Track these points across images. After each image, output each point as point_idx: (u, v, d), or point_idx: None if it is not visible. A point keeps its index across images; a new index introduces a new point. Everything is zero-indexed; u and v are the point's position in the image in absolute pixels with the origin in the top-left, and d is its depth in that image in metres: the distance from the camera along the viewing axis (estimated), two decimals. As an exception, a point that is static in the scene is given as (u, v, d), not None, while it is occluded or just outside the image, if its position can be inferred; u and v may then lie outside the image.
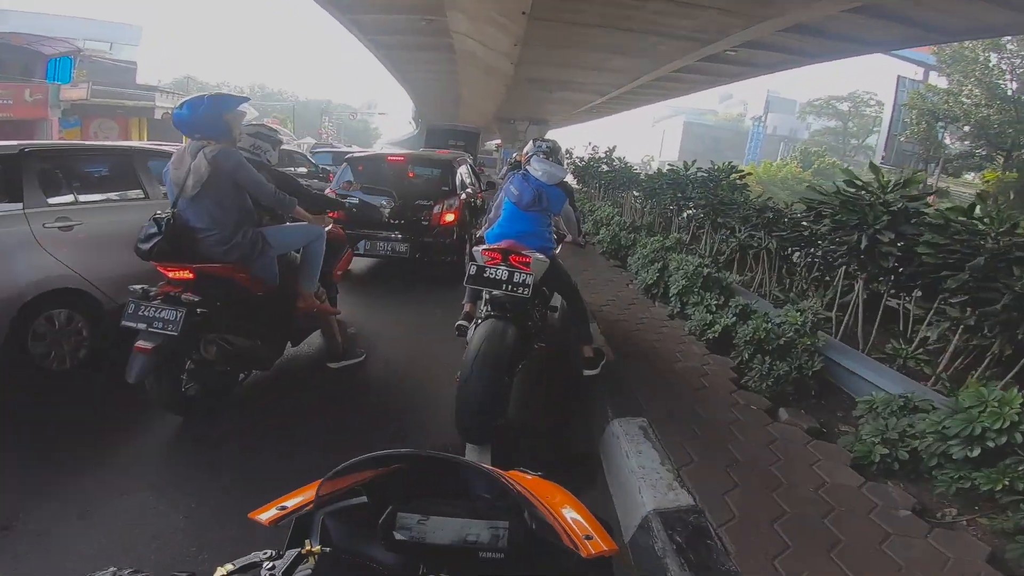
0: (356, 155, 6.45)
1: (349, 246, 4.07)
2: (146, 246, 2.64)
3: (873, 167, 3.81)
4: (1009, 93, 21.69)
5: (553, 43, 16.34)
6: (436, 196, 5.72)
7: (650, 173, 8.57)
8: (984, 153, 22.89)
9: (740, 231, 5.06)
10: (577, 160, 14.58)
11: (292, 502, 0.78)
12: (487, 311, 2.81)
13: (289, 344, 3.42)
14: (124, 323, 2.49)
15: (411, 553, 0.72)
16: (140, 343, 2.48)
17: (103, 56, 27.18)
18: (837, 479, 2.40)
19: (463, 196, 5.98)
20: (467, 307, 3.30)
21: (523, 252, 2.83)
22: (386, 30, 20.48)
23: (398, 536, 0.72)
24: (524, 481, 0.86)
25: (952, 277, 2.91)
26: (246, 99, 3.19)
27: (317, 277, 3.26)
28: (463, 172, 6.52)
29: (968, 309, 2.95)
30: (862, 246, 3.37)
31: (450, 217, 5.66)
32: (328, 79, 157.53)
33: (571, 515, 0.81)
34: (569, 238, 3.66)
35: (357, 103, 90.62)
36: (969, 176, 25.39)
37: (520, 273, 2.72)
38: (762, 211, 4.50)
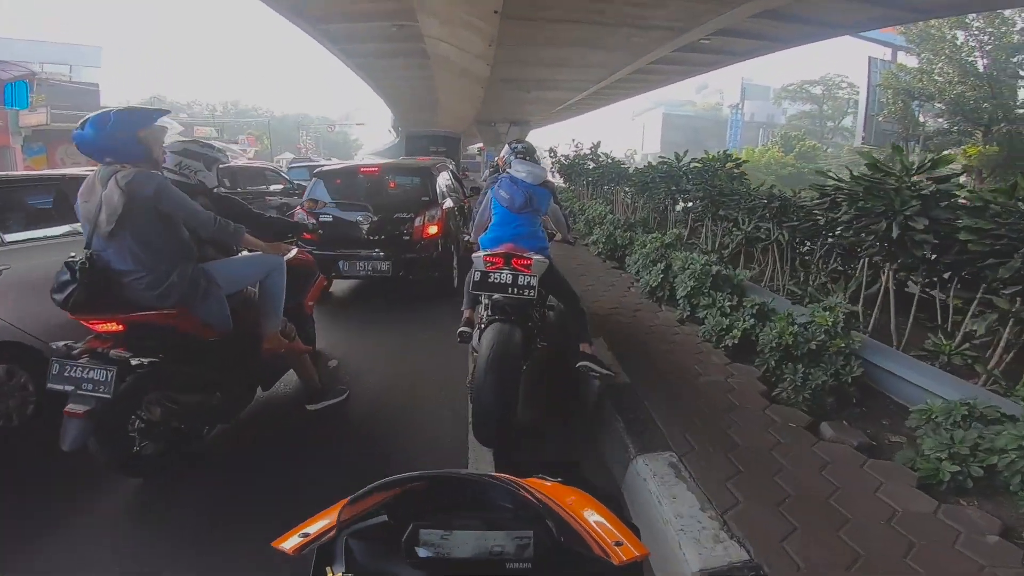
0: (327, 168, 6.00)
1: (321, 271, 3.77)
2: (60, 296, 2.21)
3: (896, 148, 3.51)
4: (980, 69, 21.85)
5: (527, 41, 16.06)
6: (417, 207, 5.27)
7: (639, 167, 8.21)
8: (960, 129, 23.03)
9: (744, 222, 4.74)
10: (562, 158, 14.23)
11: (314, 528, 0.76)
12: (488, 315, 2.80)
13: (261, 389, 3.01)
14: (50, 385, 2.09)
15: (437, 569, 0.71)
16: (71, 407, 2.09)
17: (63, 79, 26.31)
18: (907, 504, 2.08)
19: (446, 205, 5.59)
20: (467, 313, 3.23)
21: (524, 254, 2.83)
22: (356, 38, 19.99)
23: (422, 553, 0.71)
24: (544, 488, 0.84)
25: (1003, 265, 2.59)
26: (165, 112, 2.75)
27: (280, 313, 2.83)
28: (444, 179, 6.13)
29: (1020, 299, 2.64)
30: (893, 234, 3.04)
31: (433, 229, 5.22)
32: (304, 93, 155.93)
33: (597, 520, 0.79)
34: (559, 236, 3.66)
35: (335, 115, 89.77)
36: (949, 152, 25.54)
37: (523, 276, 2.73)
38: (770, 201, 4.17)
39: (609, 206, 8.56)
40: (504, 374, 2.48)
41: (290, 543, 0.74)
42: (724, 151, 6.05)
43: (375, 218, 4.95)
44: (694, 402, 2.95)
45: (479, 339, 2.74)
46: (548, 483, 0.94)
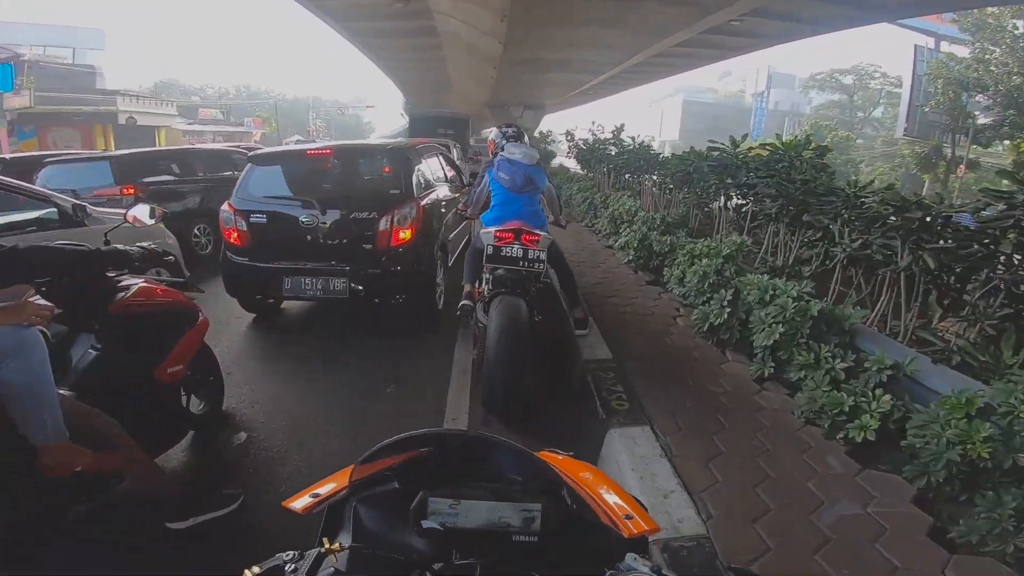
0: (264, 152, 4.59)
1: (261, 290, 3.19)
2: None
3: None
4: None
5: (541, 18, 14.54)
6: (383, 205, 3.77)
7: (677, 154, 6.76)
8: (1013, 122, 21.18)
9: (843, 235, 3.35)
10: (580, 142, 12.76)
11: (324, 489, 0.78)
12: (491, 289, 2.88)
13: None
14: None
15: (443, 538, 0.71)
16: None
17: (57, 61, 25.29)
18: None
19: (425, 201, 4.09)
20: (467, 287, 3.30)
21: (533, 231, 2.96)
22: (359, 15, 18.67)
23: (429, 522, 0.71)
24: (555, 461, 0.86)
25: None
26: None
27: (51, 412, 1.54)
28: (429, 167, 4.73)
29: None
30: None
31: (405, 234, 3.74)
32: (317, 76, 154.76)
33: (608, 495, 0.81)
34: (550, 218, 3.63)
35: (348, 98, 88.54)
36: (998, 147, 23.71)
37: (533, 251, 2.87)
38: (901, 209, 2.77)
39: (636, 199, 7.16)
40: (515, 344, 2.56)
41: (300, 503, 0.76)
42: (807, 135, 4.59)
43: (326, 219, 3.62)
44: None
45: (485, 312, 2.81)
46: (560, 456, 0.96)
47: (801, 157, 4.24)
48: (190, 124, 34.49)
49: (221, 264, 3.90)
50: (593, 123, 11.88)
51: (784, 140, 4.94)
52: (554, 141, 21.77)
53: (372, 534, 0.76)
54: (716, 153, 5.28)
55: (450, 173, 5.46)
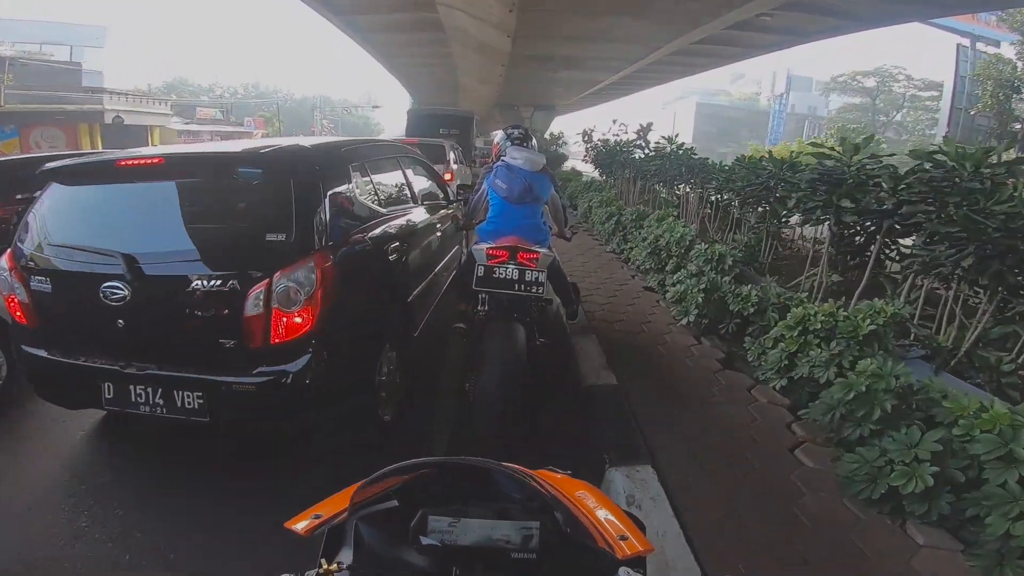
0: (70, 163, 2.37)
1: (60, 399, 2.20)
2: None
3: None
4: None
5: (554, 7, 13.02)
6: (254, 263, 2.08)
7: (742, 161, 5.08)
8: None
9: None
10: (599, 143, 11.16)
11: (326, 510, 0.77)
12: (485, 311, 2.61)
13: None
14: None
15: (443, 556, 0.72)
16: None
17: (40, 58, 24.11)
18: None
19: (350, 250, 2.41)
20: (461, 306, 3.02)
21: (531, 248, 2.67)
22: (360, 8, 17.29)
23: (429, 540, 0.71)
24: (553, 480, 0.85)
25: None
26: None
27: None
28: (371, 185, 2.99)
29: None
30: None
31: (299, 320, 2.08)
32: (327, 77, 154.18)
33: (604, 515, 0.80)
34: (554, 229, 3.25)
35: (357, 99, 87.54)
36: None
37: (531, 271, 2.57)
38: None
39: (681, 219, 5.54)
40: (508, 377, 2.37)
41: (302, 524, 0.75)
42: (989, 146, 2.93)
43: (146, 290, 2.02)
44: None
45: (479, 336, 2.60)
46: (559, 475, 0.95)
47: (981, 172, 2.64)
48: (186, 124, 33.27)
49: (15, 352, 2.38)
50: (615, 122, 10.29)
51: (956, 147, 3.25)
52: (565, 143, 20.11)
53: (373, 552, 0.77)
54: (829, 162, 3.63)
55: (422, 187, 3.92)
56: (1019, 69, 20.85)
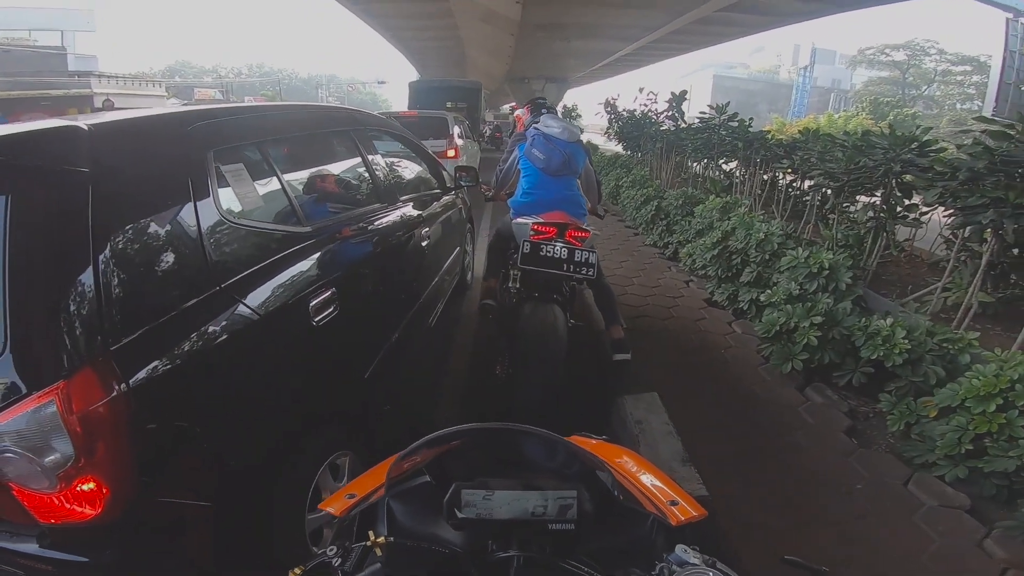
0: None
1: None
2: None
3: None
4: None
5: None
6: None
7: (831, 136, 3.81)
8: None
9: None
10: (625, 113, 9.87)
11: (359, 490, 0.77)
12: (519, 290, 2.44)
13: None
14: None
15: (478, 530, 0.69)
16: None
17: (22, 44, 23.12)
18: None
19: (201, 343, 1.18)
20: (491, 282, 2.77)
21: (581, 226, 2.44)
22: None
23: (464, 514, 0.68)
24: (588, 446, 0.83)
25: None
26: None
27: None
28: (243, 198, 1.50)
29: None
30: None
31: (89, 486, 0.99)
32: (335, 55, 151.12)
33: (650, 480, 0.78)
34: (588, 206, 2.87)
35: (364, 76, 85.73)
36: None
37: (581, 251, 2.30)
38: None
39: (749, 205, 4.33)
40: (549, 364, 2.21)
41: (336, 505, 0.76)
42: None
43: None
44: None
45: (512, 317, 2.40)
46: (593, 441, 0.92)
47: None
48: (184, 104, 32.08)
49: None
50: (641, 90, 8.99)
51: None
52: (580, 116, 18.69)
53: (406, 528, 0.74)
54: (997, 144, 2.42)
55: (399, 177, 2.80)
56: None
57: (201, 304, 1.20)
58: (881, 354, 2.24)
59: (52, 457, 0.94)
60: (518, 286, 2.44)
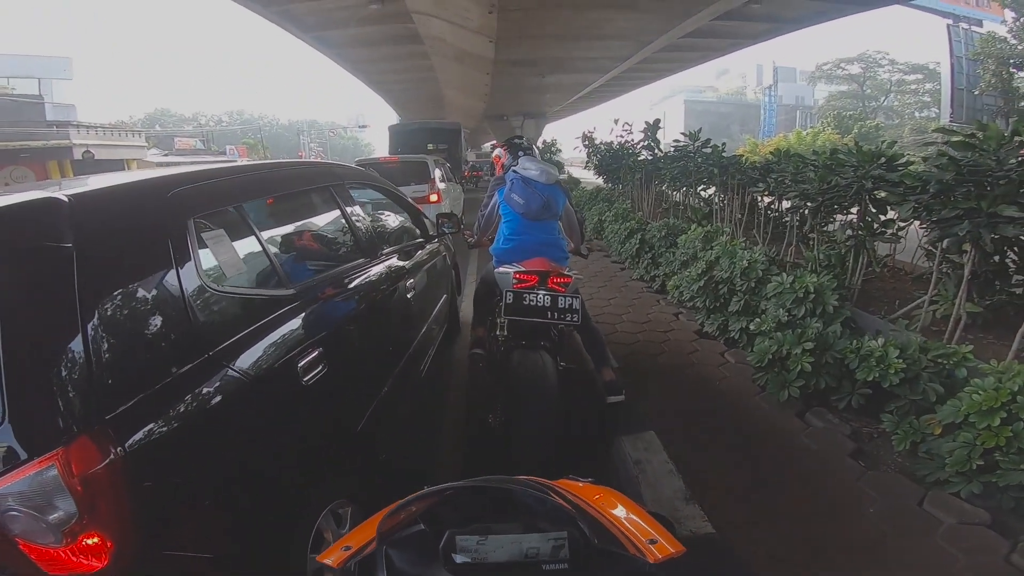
0: None
1: None
2: None
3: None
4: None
5: (536, 5, 12.09)
6: None
7: (801, 157, 3.89)
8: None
9: None
10: (602, 147, 10.09)
11: (355, 541, 0.80)
12: (506, 337, 2.41)
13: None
14: None
15: (475, 574, 0.70)
16: None
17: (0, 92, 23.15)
18: None
19: (196, 401, 1.24)
20: (479, 331, 2.80)
21: (562, 271, 2.44)
22: (328, 23, 16.30)
23: (460, 558, 0.70)
24: (575, 489, 0.86)
25: None
26: None
27: None
28: (224, 263, 1.51)
29: None
30: None
31: (92, 541, 1.04)
32: (313, 100, 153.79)
33: (629, 518, 0.81)
34: (570, 246, 2.90)
35: (344, 120, 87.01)
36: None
37: (564, 297, 2.32)
38: None
39: (730, 232, 4.36)
40: (544, 408, 2.18)
41: (333, 557, 0.77)
42: None
43: None
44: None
45: (502, 366, 2.41)
46: (580, 483, 0.94)
47: None
48: (165, 155, 32.18)
49: None
50: (616, 121, 9.22)
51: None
52: (559, 150, 19.05)
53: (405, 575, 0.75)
54: (962, 154, 2.45)
55: (380, 228, 2.87)
56: (1017, 47, 20.05)
57: (192, 371, 1.24)
58: (877, 375, 2.23)
59: (56, 515, 1.00)
60: (506, 334, 2.42)
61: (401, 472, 2.10)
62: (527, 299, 2.31)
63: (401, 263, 2.62)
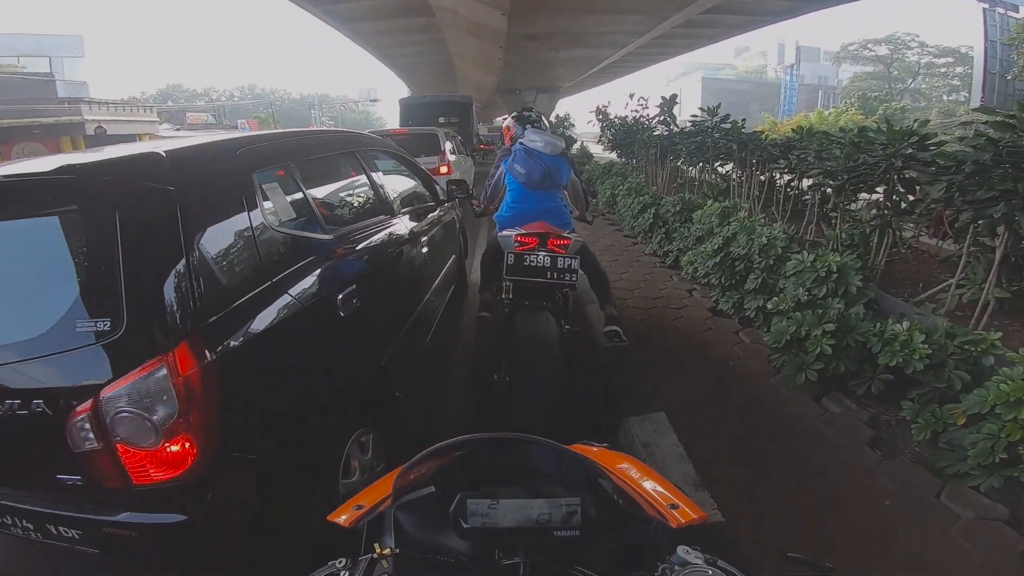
0: None
1: None
2: None
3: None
4: None
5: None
6: (74, 370, 1.22)
7: (827, 133, 3.71)
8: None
9: None
10: (616, 121, 9.82)
11: (368, 500, 0.79)
12: (512, 299, 2.50)
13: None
14: None
15: (484, 539, 0.70)
16: None
17: (11, 71, 23.17)
18: None
19: (260, 325, 1.46)
20: (486, 294, 2.78)
21: (562, 233, 2.53)
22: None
23: (470, 523, 0.69)
24: (590, 453, 0.84)
25: None
26: None
27: None
28: (276, 211, 1.79)
29: None
30: None
31: (177, 448, 1.24)
32: (325, 75, 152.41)
33: (651, 485, 0.78)
34: (575, 213, 3.04)
35: (355, 94, 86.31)
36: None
37: (563, 258, 2.40)
38: None
39: (748, 209, 4.23)
40: (545, 369, 2.23)
41: (345, 516, 0.77)
42: None
43: None
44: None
45: (506, 326, 2.43)
46: (595, 448, 0.93)
47: None
48: (177, 130, 32.19)
49: None
50: (632, 96, 8.94)
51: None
52: (572, 125, 18.66)
53: (414, 539, 0.75)
54: (997, 134, 2.30)
55: (398, 190, 3.10)
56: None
57: (260, 294, 1.47)
58: (900, 361, 2.14)
59: (159, 415, 1.17)
60: (510, 296, 2.52)
61: (414, 412, 2.41)
62: (528, 260, 2.40)
63: (417, 221, 2.89)
